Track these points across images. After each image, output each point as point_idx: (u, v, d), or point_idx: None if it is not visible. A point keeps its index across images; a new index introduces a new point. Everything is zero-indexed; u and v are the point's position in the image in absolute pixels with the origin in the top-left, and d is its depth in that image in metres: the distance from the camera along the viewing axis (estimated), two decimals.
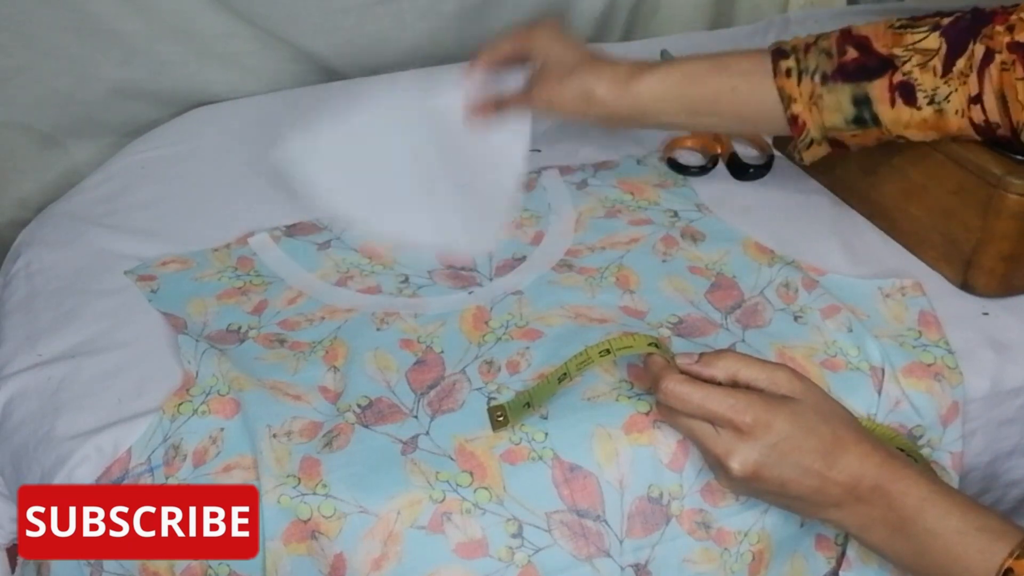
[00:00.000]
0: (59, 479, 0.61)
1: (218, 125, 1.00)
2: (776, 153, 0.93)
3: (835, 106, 0.73)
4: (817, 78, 0.73)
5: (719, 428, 0.57)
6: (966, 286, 0.76)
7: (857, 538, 0.59)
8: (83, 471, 0.62)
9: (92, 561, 0.60)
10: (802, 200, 0.88)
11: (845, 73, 0.72)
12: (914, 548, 0.56)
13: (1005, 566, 0.53)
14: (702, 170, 0.91)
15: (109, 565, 0.60)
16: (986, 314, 0.74)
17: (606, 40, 1.21)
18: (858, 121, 0.73)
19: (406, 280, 0.77)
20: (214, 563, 0.59)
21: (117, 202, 0.87)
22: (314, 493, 0.59)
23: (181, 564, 0.60)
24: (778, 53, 0.75)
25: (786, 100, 0.75)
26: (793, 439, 0.56)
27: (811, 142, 0.76)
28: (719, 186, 0.89)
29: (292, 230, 0.83)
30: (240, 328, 0.72)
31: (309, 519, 0.58)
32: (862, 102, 0.72)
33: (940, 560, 0.55)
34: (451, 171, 0.81)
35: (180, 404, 0.64)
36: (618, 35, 1.23)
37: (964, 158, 0.74)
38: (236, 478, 0.60)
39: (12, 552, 0.69)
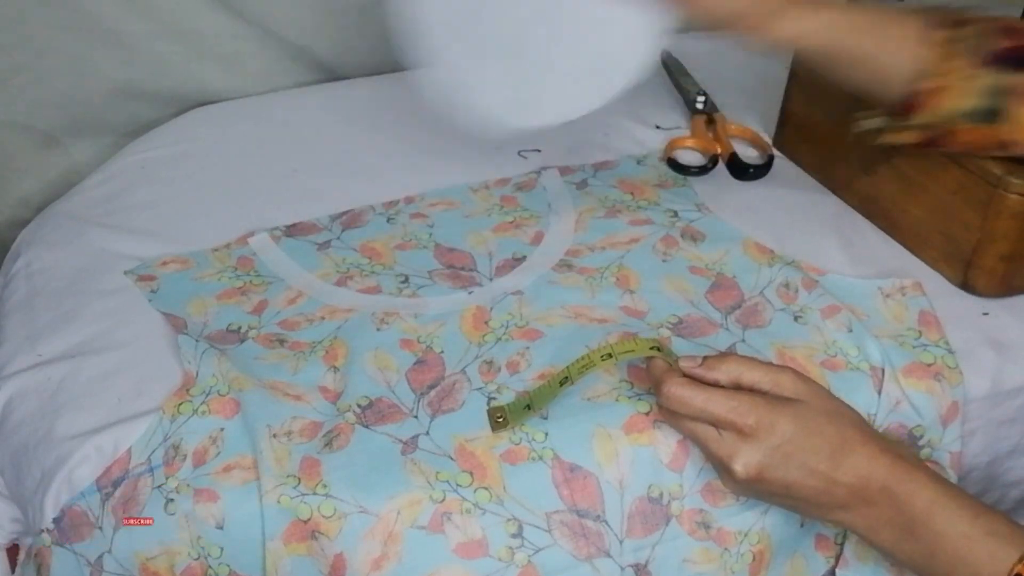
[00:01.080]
0: (59, 479, 0.61)
1: (218, 125, 1.00)
2: (776, 153, 0.93)
3: (969, 91, 0.68)
4: (974, 58, 0.68)
5: (722, 431, 0.57)
6: (966, 286, 0.76)
7: (864, 539, 0.58)
8: (83, 471, 0.62)
9: (92, 561, 0.60)
10: (802, 200, 0.88)
11: (1001, 58, 0.68)
12: (923, 550, 0.56)
13: (1015, 571, 0.52)
14: (702, 170, 0.91)
15: (109, 564, 0.60)
16: (986, 314, 0.74)
17: None
18: (980, 115, 0.69)
19: (406, 280, 0.77)
20: (214, 563, 0.59)
21: (117, 202, 0.87)
22: (314, 493, 0.59)
23: (181, 564, 0.60)
24: (935, 20, 0.71)
25: (927, 71, 0.69)
26: (797, 440, 0.56)
27: (915, 125, 0.71)
28: (719, 186, 0.89)
29: (292, 230, 0.83)
30: (240, 328, 0.72)
31: (309, 519, 0.58)
32: (998, 93, 0.68)
33: (949, 563, 0.55)
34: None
35: (180, 404, 0.64)
36: None
37: (964, 158, 0.74)
38: (236, 478, 0.60)
39: (12, 552, 0.69)
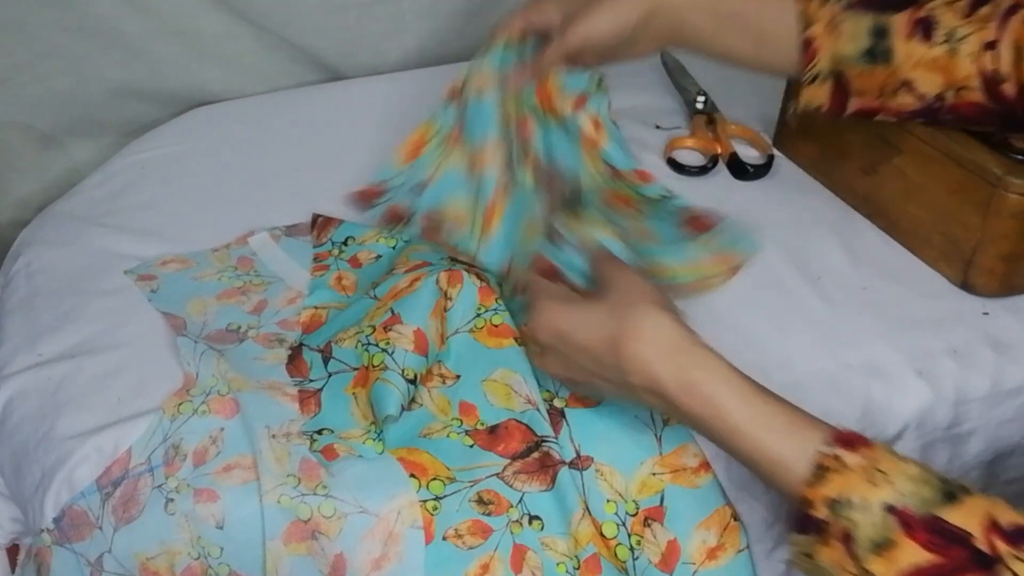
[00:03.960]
0: (59, 479, 0.61)
1: (218, 125, 1.00)
2: (776, 153, 0.93)
3: (852, 34, 0.71)
4: (841, 3, 0.71)
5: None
6: (966, 286, 0.76)
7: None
8: (83, 471, 0.62)
9: (92, 560, 0.60)
10: (802, 200, 0.88)
11: (870, 1, 0.71)
12: (723, 443, 0.55)
13: (802, 495, 0.51)
14: (702, 170, 0.91)
15: (109, 564, 0.60)
16: (986, 314, 0.74)
17: None
18: (871, 55, 0.71)
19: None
20: (214, 563, 0.59)
21: (117, 202, 0.87)
22: (314, 493, 0.59)
23: (181, 564, 0.60)
24: None
25: (805, 21, 0.72)
26: (575, 346, 0.58)
27: (815, 77, 0.73)
28: (719, 186, 0.89)
29: (292, 230, 0.83)
30: (240, 328, 0.72)
31: (309, 519, 0.58)
32: (880, 33, 0.70)
33: (748, 457, 0.55)
34: None
35: (180, 404, 0.64)
36: None
37: (964, 158, 0.74)
38: (236, 478, 0.60)
39: (12, 552, 0.69)
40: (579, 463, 0.62)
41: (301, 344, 0.70)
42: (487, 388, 0.65)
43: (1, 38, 0.92)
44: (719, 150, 0.93)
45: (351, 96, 1.05)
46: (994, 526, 0.48)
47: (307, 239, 0.82)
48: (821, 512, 0.50)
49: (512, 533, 0.60)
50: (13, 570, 0.69)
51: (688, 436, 0.64)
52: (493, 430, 0.63)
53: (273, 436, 0.62)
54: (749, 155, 0.93)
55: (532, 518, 0.60)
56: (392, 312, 0.66)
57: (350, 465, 0.61)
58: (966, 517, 0.48)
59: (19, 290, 0.78)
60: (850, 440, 0.52)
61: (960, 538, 0.48)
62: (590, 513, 0.61)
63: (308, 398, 0.66)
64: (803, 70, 0.74)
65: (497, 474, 0.61)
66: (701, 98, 0.99)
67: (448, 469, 0.61)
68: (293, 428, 0.63)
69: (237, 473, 0.60)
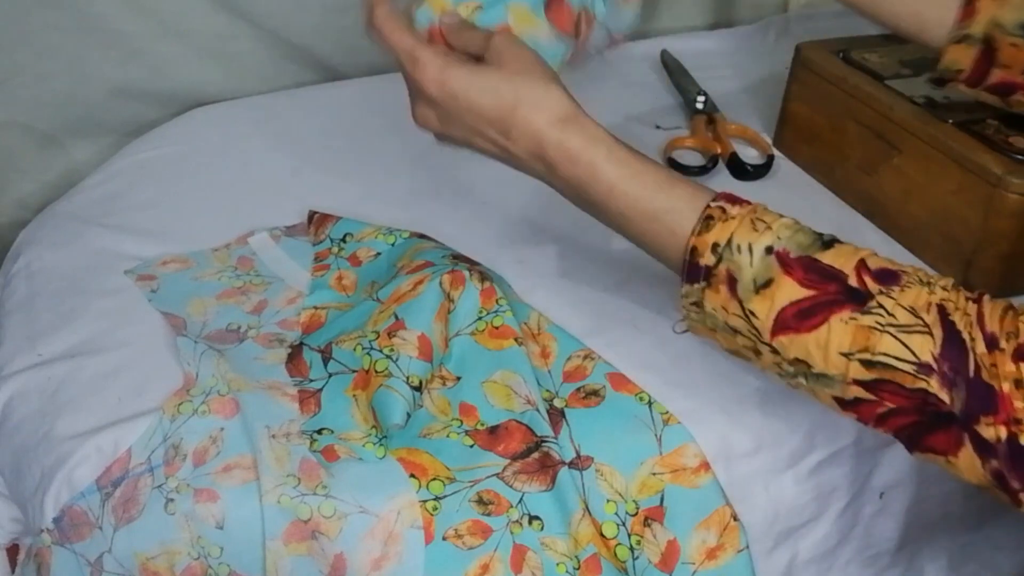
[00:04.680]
0: (59, 479, 0.61)
1: (218, 125, 1.00)
2: (776, 153, 0.93)
3: (1019, 4, 0.68)
4: None
5: (409, 73, 0.60)
6: (966, 286, 0.76)
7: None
8: (83, 471, 0.62)
9: (92, 561, 0.60)
10: (802, 200, 0.88)
11: None
12: (610, 223, 0.59)
13: (690, 244, 0.55)
14: (702, 170, 0.91)
15: (109, 564, 0.60)
16: None
17: None
18: None
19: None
20: (214, 563, 0.59)
21: (117, 202, 0.87)
22: (314, 493, 0.59)
23: (181, 564, 0.60)
24: None
25: None
26: (460, 104, 0.58)
27: (964, 37, 0.71)
28: (719, 186, 0.89)
29: (292, 230, 0.83)
30: (240, 328, 0.72)
31: (309, 519, 0.58)
32: None
33: (634, 236, 0.58)
34: None
35: (180, 404, 0.64)
36: None
37: (964, 158, 0.74)
38: (236, 478, 0.60)
39: (12, 552, 0.69)
40: (579, 463, 0.62)
41: (301, 344, 0.70)
42: (487, 389, 0.65)
43: (1, 38, 0.92)
44: (719, 150, 0.93)
45: (351, 96, 1.05)
46: (864, 267, 0.52)
47: (307, 239, 0.82)
48: (707, 258, 0.54)
49: (512, 533, 0.60)
50: (13, 570, 0.69)
51: (688, 436, 0.64)
52: (493, 430, 0.63)
53: (273, 436, 0.62)
54: (749, 155, 0.93)
55: (532, 518, 0.60)
56: (396, 317, 0.66)
57: (350, 465, 0.61)
58: (839, 259, 0.52)
59: (19, 290, 0.78)
60: (732, 197, 0.56)
61: (834, 275, 0.52)
62: (590, 513, 0.61)
63: (308, 398, 0.66)
64: (955, 27, 0.71)
65: (497, 474, 0.61)
66: (701, 98, 1.00)
67: (448, 469, 0.61)
68: (293, 428, 0.63)
69: (237, 473, 0.60)
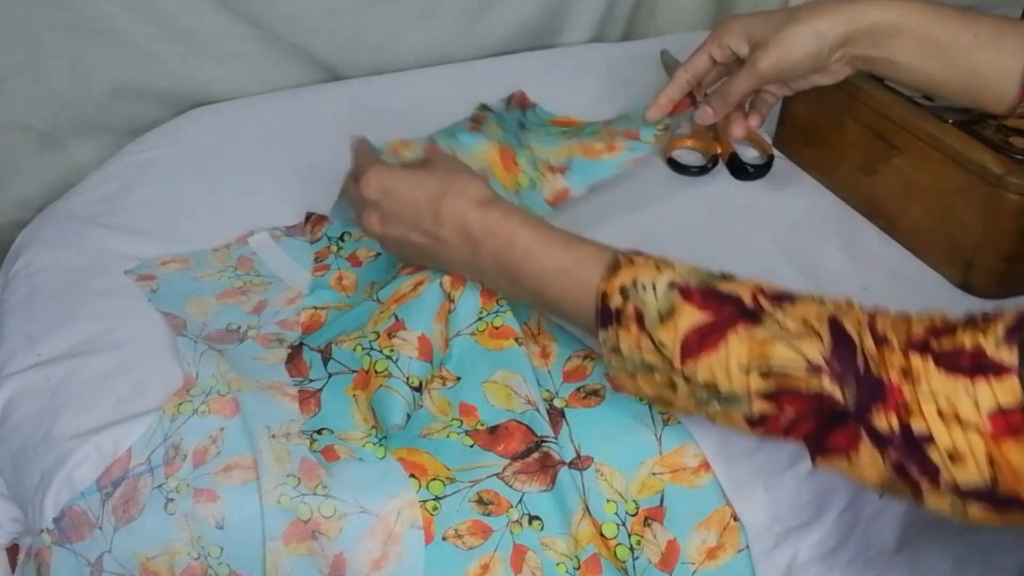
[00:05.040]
0: (59, 479, 0.61)
1: (218, 125, 1.00)
2: (776, 153, 0.93)
3: None
4: None
5: (357, 185, 0.68)
6: (966, 286, 0.76)
7: (493, 287, 0.67)
8: (83, 471, 0.62)
9: (92, 561, 0.60)
10: (802, 200, 0.88)
11: None
12: (529, 292, 0.63)
13: (600, 290, 0.57)
14: (702, 170, 0.91)
15: (109, 564, 0.60)
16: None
17: (606, 40, 1.21)
18: None
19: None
20: (214, 563, 0.59)
21: (117, 202, 0.87)
22: (314, 493, 0.59)
23: (181, 564, 0.60)
24: None
25: None
26: (400, 197, 0.65)
27: None
28: (719, 186, 0.90)
29: (292, 230, 0.83)
30: (240, 328, 0.72)
31: (309, 519, 0.58)
32: None
33: (552, 298, 0.61)
34: None
35: (180, 404, 0.64)
36: (618, 35, 1.23)
37: (964, 158, 0.74)
38: (236, 478, 0.60)
39: (12, 552, 0.69)
40: (579, 463, 0.62)
41: (301, 344, 0.70)
42: (487, 389, 0.65)
43: (1, 38, 0.92)
44: (719, 150, 0.93)
45: (351, 96, 1.05)
46: (761, 291, 0.55)
47: (306, 239, 0.82)
48: (616, 300, 0.57)
49: (512, 533, 0.60)
50: (13, 570, 0.69)
51: (688, 436, 0.64)
52: (493, 430, 0.63)
53: (273, 436, 0.62)
54: (749, 155, 0.93)
55: (532, 518, 0.60)
56: (396, 318, 0.66)
57: (350, 465, 0.61)
58: (736, 287, 0.55)
59: (19, 290, 0.78)
60: (638, 252, 0.59)
61: (730, 298, 0.54)
62: (590, 513, 0.61)
63: (308, 398, 0.66)
64: (1017, 104, 0.72)
65: (497, 474, 0.61)
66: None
67: (448, 469, 0.61)
68: (293, 428, 0.63)
69: (237, 473, 0.60)
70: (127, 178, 0.91)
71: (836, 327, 0.51)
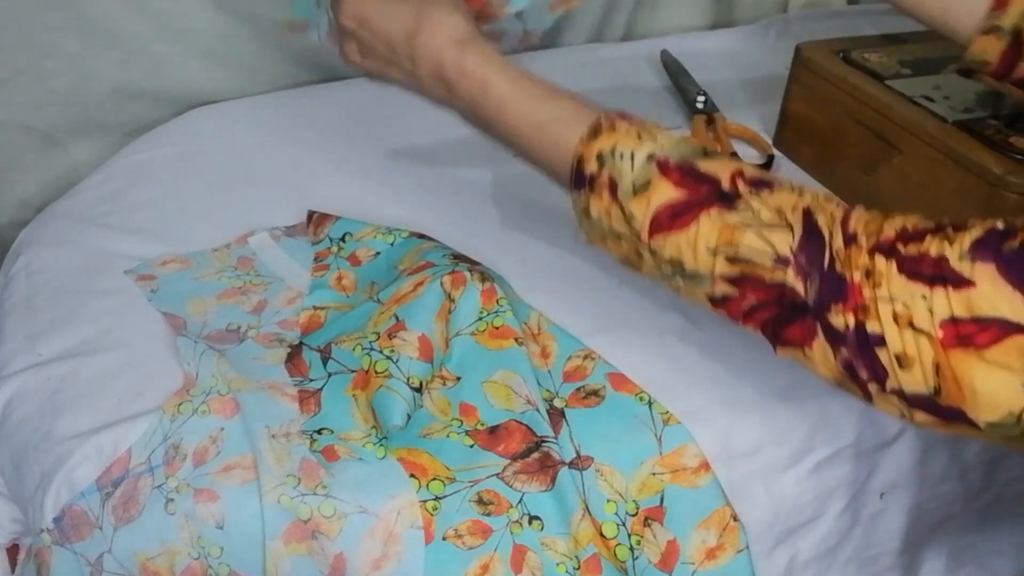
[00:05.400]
0: (59, 479, 0.61)
1: (218, 125, 1.00)
2: (776, 153, 0.93)
3: None
4: None
5: (335, 15, 0.66)
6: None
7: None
8: (83, 471, 0.62)
9: (92, 561, 0.60)
10: None
11: None
12: (504, 138, 0.62)
13: (577, 152, 0.57)
14: None
15: (109, 564, 0.60)
16: None
17: (606, 40, 1.21)
18: None
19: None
20: (214, 563, 0.59)
21: (117, 202, 0.87)
22: (314, 493, 0.59)
23: (181, 564, 0.60)
24: None
25: None
26: (373, 30, 0.64)
27: (994, 28, 0.70)
28: None
29: (292, 230, 0.83)
30: (240, 328, 0.72)
31: (309, 519, 0.58)
32: None
33: (526, 149, 0.61)
34: None
35: (180, 404, 0.64)
36: (618, 35, 1.23)
37: (964, 158, 0.74)
38: (236, 478, 0.60)
39: (12, 552, 0.69)
40: (579, 463, 0.62)
41: (301, 344, 0.70)
42: (487, 389, 0.65)
43: (1, 38, 0.92)
44: (719, 150, 0.92)
45: (351, 96, 1.05)
46: (740, 174, 0.54)
47: (307, 239, 0.82)
48: (591, 165, 0.57)
49: (512, 533, 0.60)
50: (13, 570, 0.69)
51: (688, 436, 0.64)
52: (493, 430, 0.63)
53: (273, 436, 0.62)
54: (749, 155, 0.93)
55: (532, 518, 0.60)
56: (396, 319, 0.66)
57: (350, 465, 0.61)
58: (716, 167, 0.55)
59: (19, 290, 0.78)
60: (624, 114, 0.59)
61: (707, 178, 0.54)
62: (590, 513, 0.61)
63: (308, 398, 0.66)
64: (986, 16, 0.70)
65: (497, 474, 0.61)
66: (701, 98, 1.00)
67: (448, 469, 0.61)
68: (293, 428, 0.63)
69: (237, 473, 0.60)
70: (127, 178, 0.91)
71: (809, 221, 0.51)
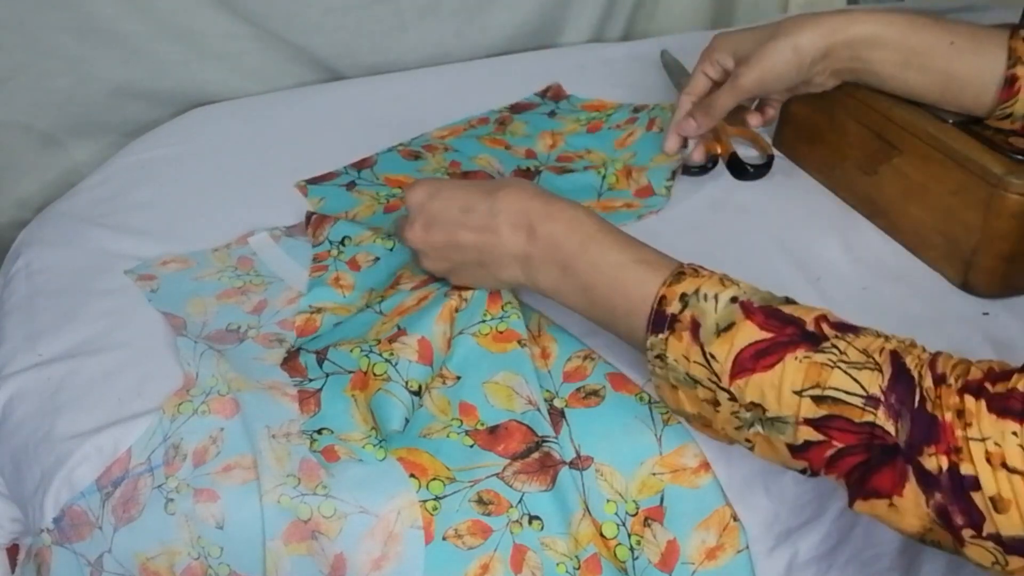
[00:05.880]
0: (59, 479, 0.61)
1: (218, 125, 1.00)
2: (776, 153, 0.93)
3: None
4: None
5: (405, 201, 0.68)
6: (966, 286, 0.76)
7: (536, 289, 0.65)
8: (83, 471, 0.62)
9: (92, 560, 0.60)
10: (802, 200, 0.88)
11: None
12: (580, 284, 0.61)
13: (660, 293, 0.57)
14: (702, 170, 0.91)
15: (109, 564, 0.60)
16: (986, 314, 0.74)
17: (606, 40, 1.21)
18: None
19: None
20: (214, 563, 0.59)
21: (117, 202, 0.87)
22: (314, 493, 0.59)
23: (181, 564, 0.60)
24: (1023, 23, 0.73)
25: (1012, 59, 0.72)
26: (447, 197, 0.65)
27: (1007, 116, 0.73)
28: (719, 186, 0.89)
29: (292, 230, 0.83)
30: (239, 328, 0.72)
31: (309, 519, 0.58)
32: None
33: (604, 293, 0.60)
34: None
35: (180, 404, 0.64)
36: (618, 35, 1.23)
37: (964, 158, 0.74)
38: (236, 478, 0.60)
39: (12, 552, 0.69)
40: (579, 463, 0.62)
41: (298, 348, 0.70)
42: (488, 389, 0.65)
43: (1, 38, 0.92)
44: (719, 150, 0.93)
45: (351, 96, 1.05)
46: (824, 318, 0.54)
47: (307, 239, 0.82)
48: (674, 306, 0.57)
49: (512, 533, 0.60)
50: (13, 570, 0.69)
51: (688, 436, 0.64)
52: (493, 430, 0.63)
53: (273, 436, 0.62)
54: (749, 155, 0.93)
55: (532, 518, 0.60)
56: (398, 328, 0.67)
57: (350, 466, 0.61)
58: (800, 311, 0.55)
59: (19, 290, 0.78)
60: (704, 267, 0.59)
61: (792, 320, 0.54)
62: (590, 513, 0.61)
63: (308, 398, 0.66)
64: (996, 106, 0.73)
65: (497, 474, 0.61)
66: None
67: (448, 469, 0.61)
68: (293, 428, 0.63)
69: (237, 473, 0.60)
70: (127, 178, 0.91)
71: (897, 361, 0.50)
